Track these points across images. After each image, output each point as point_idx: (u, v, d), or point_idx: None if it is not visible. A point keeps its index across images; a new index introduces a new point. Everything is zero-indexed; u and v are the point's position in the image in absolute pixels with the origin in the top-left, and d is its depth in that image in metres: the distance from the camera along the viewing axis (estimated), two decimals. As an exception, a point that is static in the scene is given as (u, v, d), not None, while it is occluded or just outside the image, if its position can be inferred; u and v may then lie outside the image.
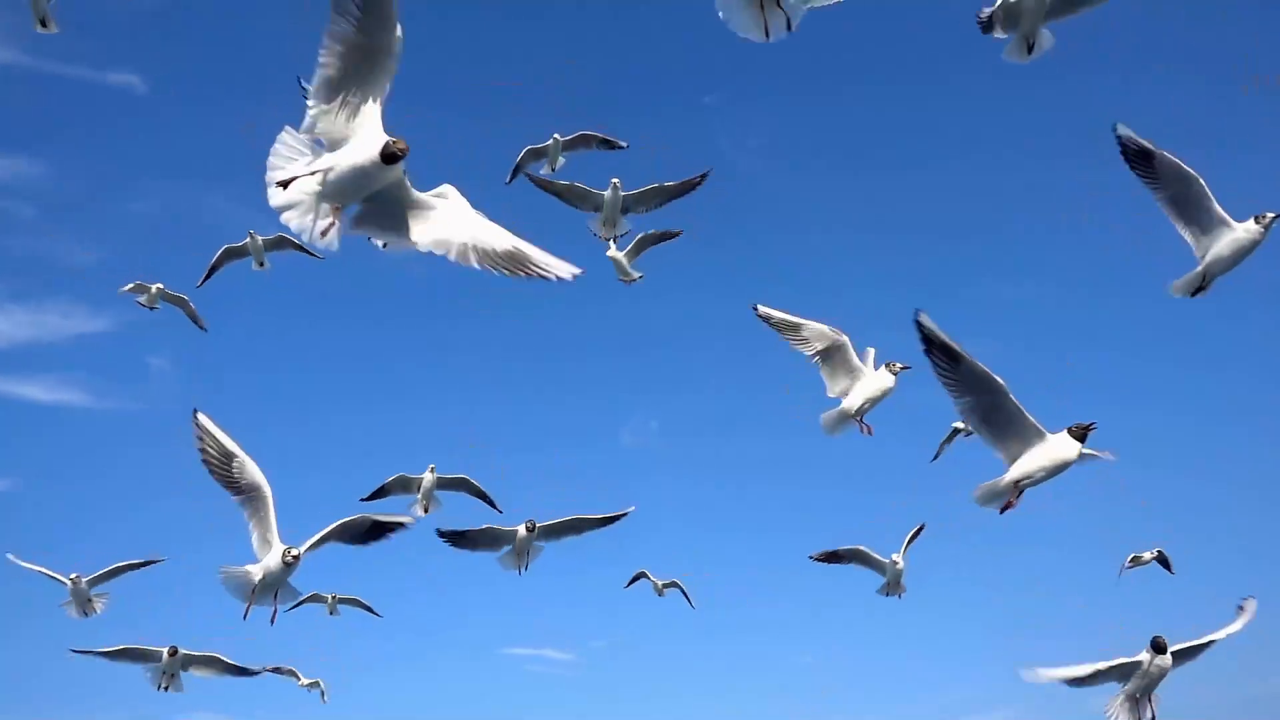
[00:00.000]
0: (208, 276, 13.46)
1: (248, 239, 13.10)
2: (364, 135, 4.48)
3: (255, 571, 7.75)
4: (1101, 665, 8.13)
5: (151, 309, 14.27)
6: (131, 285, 14.06)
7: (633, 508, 10.67)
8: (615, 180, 9.79)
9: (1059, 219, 23.34)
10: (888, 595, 11.71)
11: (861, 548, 11.38)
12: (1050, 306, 23.38)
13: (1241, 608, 8.48)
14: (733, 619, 20.22)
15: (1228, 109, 22.68)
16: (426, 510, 12.15)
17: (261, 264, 13.16)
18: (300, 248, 13.12)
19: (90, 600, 12.04)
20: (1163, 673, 8.00)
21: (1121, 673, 8.14)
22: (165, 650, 10.58)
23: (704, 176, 10.56)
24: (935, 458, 12.15)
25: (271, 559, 7.70)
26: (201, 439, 7.70)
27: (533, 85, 22.75)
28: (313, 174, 4.54)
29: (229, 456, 7.65)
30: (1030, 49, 7.85)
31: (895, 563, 11.34)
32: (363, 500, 12.31)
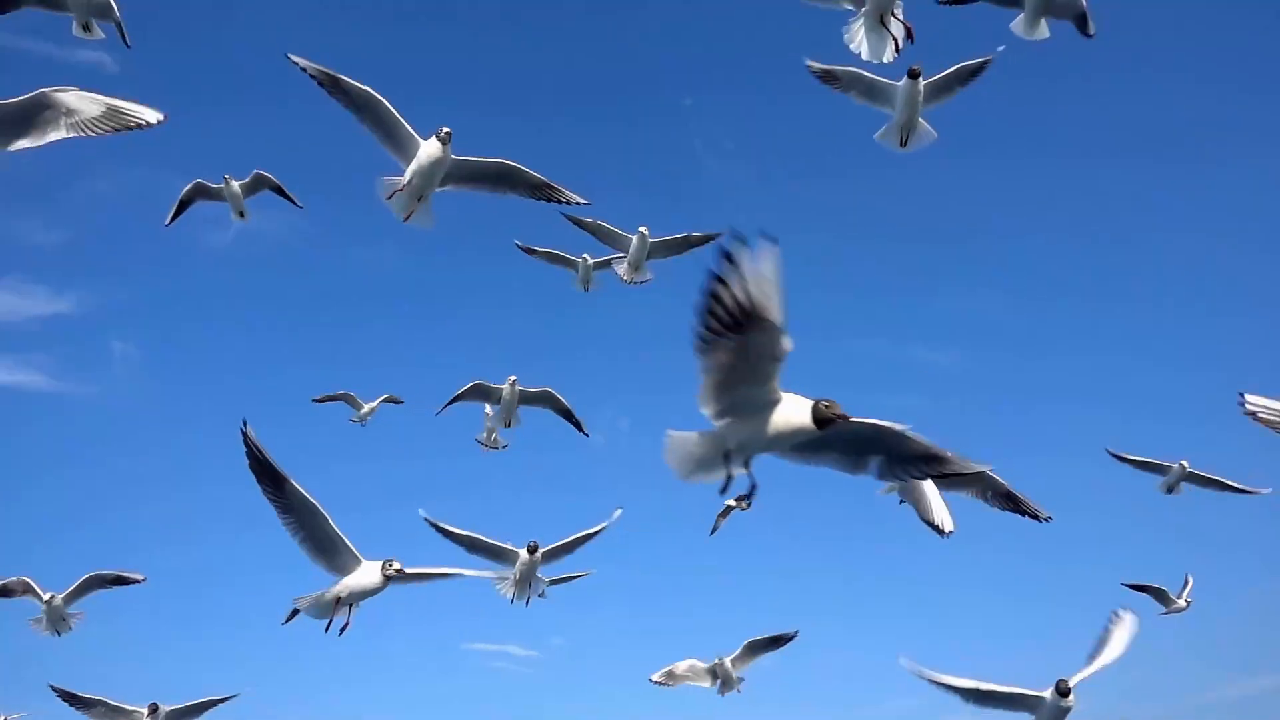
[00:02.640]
0: (175, 215, 12.71)
1: (223, 184, 12.74)
2: (778, 396, 4.40)
3: (338, 587, 6.97)
4: (997, 688, 7.98)
5: (362, 424, 15.76)
6: (347, 401, 15.67)
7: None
8: (643, 229, 10.43)
9: (1036, 227, 24.59)
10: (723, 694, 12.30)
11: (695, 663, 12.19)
12: (1027, 314, 24.53)
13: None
14: (695, 621, 21.30)
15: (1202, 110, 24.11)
16: (508, 424, 11.83)
17: (241, 214, 12.62)
18: (279, 189, 12.79)
19: (64, 619, 11.79)
20: (1064, 713, 7.88)
21: (1017, 703, 7.98)
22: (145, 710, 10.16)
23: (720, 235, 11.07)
24: (713, 532, 12.98)
25: (366, 576, 6.92)
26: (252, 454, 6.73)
27: (517, 87, 22.12)
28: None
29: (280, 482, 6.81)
30: (905, 140, 8.31)
31: (721, 662, 11.99)
32: (441, 408, 11.91)
